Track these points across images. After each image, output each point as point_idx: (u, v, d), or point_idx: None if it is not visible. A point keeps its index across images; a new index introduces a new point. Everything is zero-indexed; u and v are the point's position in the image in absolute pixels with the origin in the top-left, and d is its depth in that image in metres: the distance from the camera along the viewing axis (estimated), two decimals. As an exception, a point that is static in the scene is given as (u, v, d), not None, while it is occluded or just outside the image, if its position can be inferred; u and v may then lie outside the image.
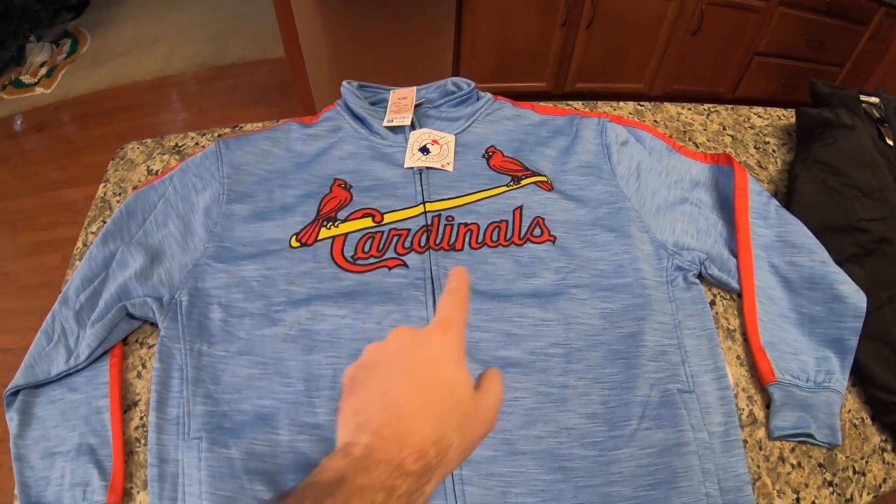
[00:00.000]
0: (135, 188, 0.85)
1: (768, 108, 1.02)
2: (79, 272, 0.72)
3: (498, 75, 1.84)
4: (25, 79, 2.89)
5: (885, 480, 0.66)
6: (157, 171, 0.89)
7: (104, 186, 0.89)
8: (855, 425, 0.69)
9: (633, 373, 0.64)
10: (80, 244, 0.83)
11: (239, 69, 2.70)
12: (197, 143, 0.92)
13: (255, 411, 0.61)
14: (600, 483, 0.58)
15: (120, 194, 0.87)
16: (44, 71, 2.91)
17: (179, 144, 0.92)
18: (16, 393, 0.65)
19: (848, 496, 0.64)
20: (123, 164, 0.91)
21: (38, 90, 2.80)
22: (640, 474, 0.59)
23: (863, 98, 0.92)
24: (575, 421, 0.61)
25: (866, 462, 0.67)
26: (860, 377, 0.70)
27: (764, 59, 1.95)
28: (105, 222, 0.82)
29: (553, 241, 0.72)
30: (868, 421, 0.69)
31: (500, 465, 0.58)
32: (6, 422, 0.64)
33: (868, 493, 0.65)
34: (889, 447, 0.68)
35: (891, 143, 0.88)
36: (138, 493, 0.62)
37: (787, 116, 1.01)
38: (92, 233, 0.83)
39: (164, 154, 0.91)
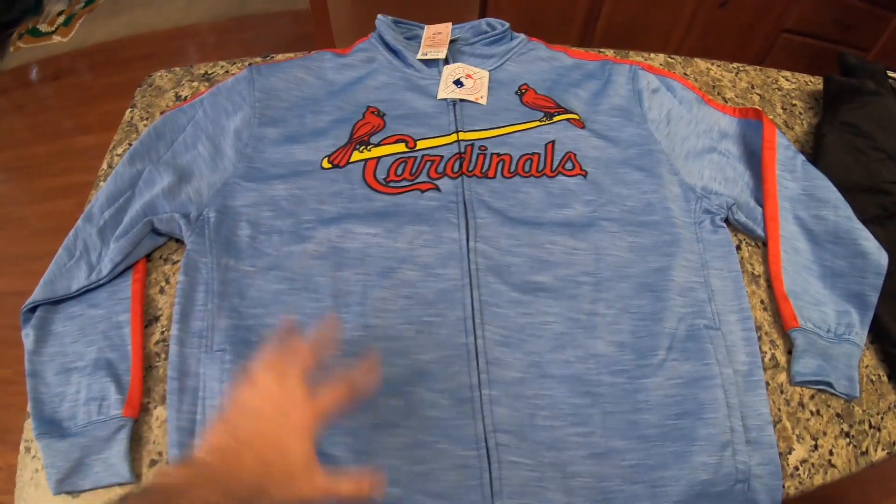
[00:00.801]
0: (163, 113, 0.84)
1: (796, 73, 1.02)
2: (104, 190, 0.71)
3: (524, 33, 1.80)
4: (43, 27, 2.86)
5: (901, 438, 0.66)
6: (185, 96, 0.88)
7: (131, 111, 0.88)
8: (872, 381, 0.69)
9: (662, 305, 0.64)
10: (104, 165, 0.82)
11: (259, 20, 2.66)
12: (227, 71, 0.90)
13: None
14: (627, 410, 0.59)
15: (147, 119, 0.86)
16: (61, 20, 2.88)
17: (209, 72, 0.91)
18: (33, 309, 0.64)
19: (863, 449, 0.65)
20: (151, 90, 0.90)
21: (56, 39, 2.78)
22: (666, 404, 0.60)
23: (889, 73, 0.93)
24: (604, 348, 0.61)
25: (882, 418, 0.67)
26: (878, 335, 0.71)
27: (790, 37, 1.91)
28: (131, 145, 0.82)
29: (584, 176, 0.71)
30: (885, 378, 0.70)
31: (529, 387, 0.58)
32: (13, 361, 0.63)
33: (883, 449, 0.66)
34: (905, 406, 0.68)
35: None
36: (155, 407, 0.62)
37: (815, 83, 1.01)
38: (117, 155, 0.83)
39: (193, 81, 0.90)
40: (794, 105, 0.96)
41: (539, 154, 0.72)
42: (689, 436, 0.58)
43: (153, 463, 0.59)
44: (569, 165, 0.72)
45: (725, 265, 0.70)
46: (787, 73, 1.02)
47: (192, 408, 0.58)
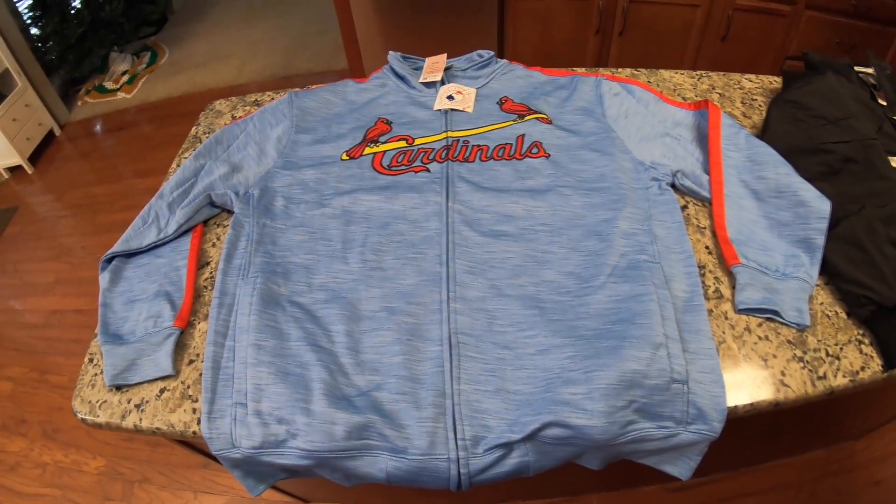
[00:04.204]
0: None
1: (759, 75, 1.17)
2: (174, 177, 0.98)
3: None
4: (108, 85, 3.35)
5: (862, 368, 0.73)
6: (239, 116, 1.17)
7: (196, 128, 1.18)
8: (828, 316, 0.78)
9: (606, 245, 0.82)
10: (174, 165, 1.11)
11: (305, 79, 3.11)
12: (272, 98, 1.20)
13: (302, 263, 0.85)
14: (570, 319, 0.76)
15: (208, 133, 1.16)
16: (125, 79, 3.37)
17: (258, 99, 1.21)
18: (110, 261, 0.89)
19: (820, 374, 0.73)
20: (212, 113, 1.21)
21: (120, 95, 3.25)
22: (604, 313, 0.75)
23: (858, 68, 1.06)
24: (553, 276, 0.80)
25: (841, 349, 0.75)
26: (832, 275, 0.80)
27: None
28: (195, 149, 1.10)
29: (547, 157, 0.94)
30: (842, 315, 0.78)
31: (488, 304, 0.78)
32: (69, 369, 0.82)
33: (844, 376, 0.72)
34: (867, 341, 0.75)
35: (883, 103, 1.02)
36: (199, 323, 0.85)
37: (777, 82, 1.13)
38: (184, 157, 1.12)
39: (246, 106, 1.20)
40: (755, 100, 1.10)
41: (511, 144, 0.96)
42: (621, 335, 0.71)
43: (191, 362, 0.81)
44: (535, 150, 0.95)
45: (669, 217, 0.85)
46: (751, 75, 1.16)
47: (227, 317, 0.80)
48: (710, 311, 0.79)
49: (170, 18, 3.84)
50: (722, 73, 1.18)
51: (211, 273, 0.91)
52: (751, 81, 1.15)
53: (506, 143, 0.96)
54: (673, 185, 0.93)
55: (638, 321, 0.72)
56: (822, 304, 0.79)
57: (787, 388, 0.72)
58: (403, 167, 0.94)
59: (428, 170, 0.93)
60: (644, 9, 1.99)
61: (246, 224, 0.90)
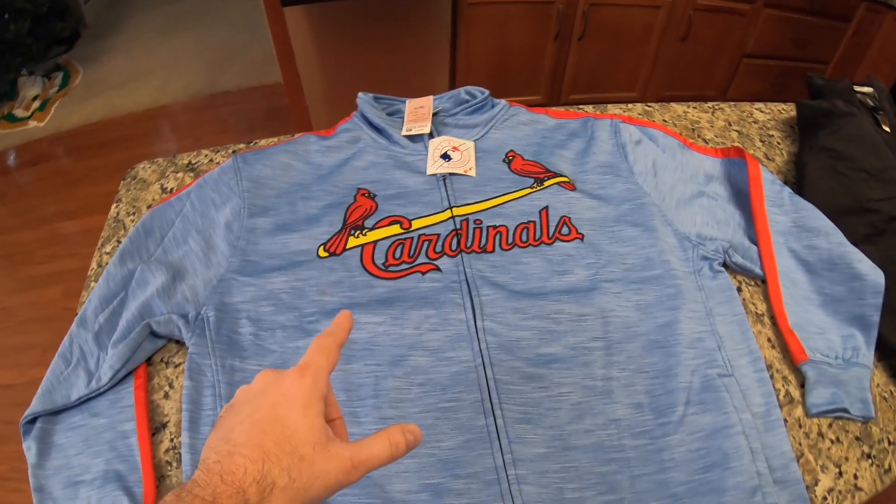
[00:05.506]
0: (149, 207, 0.82)
1: (768, 104, 1.05)
2: (96, 293, 0.69)
3: (494, 90, 1.82)
4: (18, 113, 2.87)
5: (918, 451, 0.66)
6: (171, 189, 0.87)
7: (116, 206, 0.86)
8: (885, 398, 0.70)
9: (674, 360, 0.64)
10: (94, 265, 0.80)
11: (232, 97, 2.72)
12: (211, 160, 0.90)
13: None
14: (654, 471, 0.58)
15: (134, 214, 0.84)
16: (37, 104, 2.89)
17: (193, 162, 0.90)
18: (33, 420, 0.62)
19: (886, 467, 0.65)
20: (135, 183, 0.89)
21: (32, 124, 2.78)
22: (692, 458, 0.59)
23: (856, 88, 0.95)
24: (623, 412, 0.60)
25: None
26: (884, 350, 0.71)
27: (752, 61, 1.98)
28: (120, 242, 0.80)
29: (581, 239, 0.71)
30: None
31: (554, 462, 0.57)
32: (7, 457, 0.59)
33: None
34: (919, 417, 0.68)
35: (887, 129, 0.90)
36: None
37: (788, 110, 1.03)
38: (106, 253, 0.81)
39: (177, 172, 0.89)
40: (772, 136, 0.98)
41: (534, 222, 0.72)
42: (718, 487, 0.58)
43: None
44: (565, 230, 0.71)
45: (730, 310, 0.69)
46: (760, 105, 1.05)
47: None
48: (785, 420, 0.65)
49: (82, 34, 3.32)
50: (732, 103, 1.04)
51: (172, 441, 0.63)
52: (762, 112, 1.03)
53: (528, 222, 0.72)
54: (724, 264, 0.74)
55: (730, 465, 0.59)
56: (878, 385, 0.71)
57: (860, 491, 0.64)
58: (405, 265, 0.68)
59: (438, 268, 0.67)
60: (605, 11, 1.78)
61: (207, 370, 0.62)
